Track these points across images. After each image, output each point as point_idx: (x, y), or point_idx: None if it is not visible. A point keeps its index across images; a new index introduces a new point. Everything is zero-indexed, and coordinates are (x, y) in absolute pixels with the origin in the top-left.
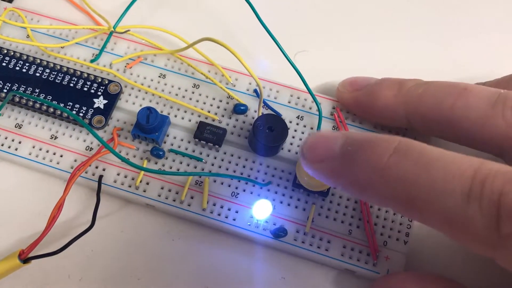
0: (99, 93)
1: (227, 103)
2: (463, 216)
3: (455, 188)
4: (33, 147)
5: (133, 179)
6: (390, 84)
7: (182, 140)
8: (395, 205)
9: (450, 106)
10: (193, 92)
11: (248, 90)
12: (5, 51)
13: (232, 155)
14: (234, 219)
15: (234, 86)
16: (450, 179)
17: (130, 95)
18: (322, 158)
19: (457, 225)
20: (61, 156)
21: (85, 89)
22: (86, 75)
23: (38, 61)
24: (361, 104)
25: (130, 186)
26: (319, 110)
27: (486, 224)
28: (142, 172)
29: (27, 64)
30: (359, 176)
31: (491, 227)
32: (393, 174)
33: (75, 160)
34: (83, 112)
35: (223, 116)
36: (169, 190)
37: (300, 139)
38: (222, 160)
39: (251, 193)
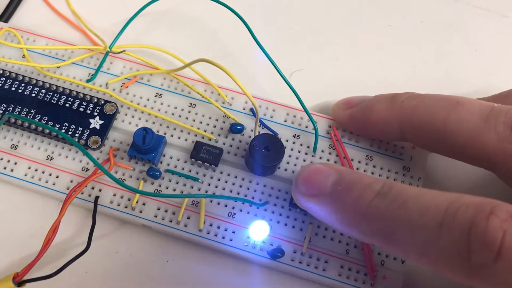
0: (95, 114)
1: (224, 122)
2: (437, 246)
3: (429, 220)
4: (29, 168)
5: (129, 199)
6: (384, 98)
7: (178, 160)
8: (377, 241)
9: (443, 119)
10: (189, 112)
11: (244, 109)
12: (1, 72)
13: (228, 175)
14: (231, 240)
15: (231, 105)
16: (425, 213)
17: (126, 115)
18: (314, 193)
19: (432, 255)
20: (57, 177)
21: (81, 109)
22: (82, 95)
23: (34, 81)
24: (357, 120)
25: (126, 207)
26: (315, 128)
27: (458, 254)
28: (138, 194)
29: (23, 85)
30: (345, 215)
31: (463, 257)
32: (374, 214)
33: (71, 181)
34: (79, 132)
35: (219, 135)
36: (166, 211)
37: (297, 158)
38: (219, 180)
39: (248, 213)
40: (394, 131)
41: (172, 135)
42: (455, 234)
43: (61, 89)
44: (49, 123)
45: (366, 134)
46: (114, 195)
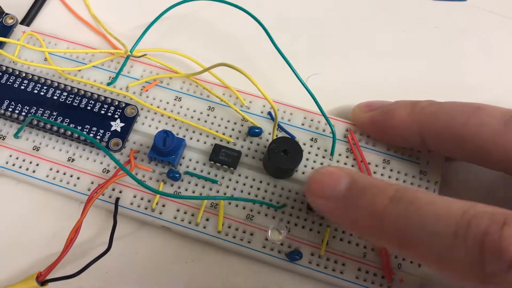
0: (116, 116)
1: (242, 125)
2: (450, 255)
3: (443, 228)
4: (51, 170)
5: (149, 201)
6: (405, 103)
7: (197, 162)
8: (389, 246)
9: (464, 124)
10: (208, 115)
11: (262, 112)
12: (24, 74)
13: (247, 177)
14: (249, 242)
15: (249, 108)
16: (439, 221)
17: (146, 117)
18: (326, 195)
19: (445, 263)
20: (78, 178)
21: (102, 112)
22: (103, 98)
23: (56, 84)
24: (376, 123)
25: (146, 208)
26: (332, 132)
27: (471, 262)
28: (158, 195)
29: (45, 87)
30: (358, 219)
31: (476, 266)
32: (388, 220)
33: (92, 183)
34: (100, 135)
35: (238, 138)
36: (185, 213)
37: (314, 162)
38: (237, 182)
39: (266, 215)
40: (414, 137)
41: (191, 138)
42: (469, 243)
43: (82, 92)
44: (71, 125)
45: (385, 138)
46: (134, 196)
